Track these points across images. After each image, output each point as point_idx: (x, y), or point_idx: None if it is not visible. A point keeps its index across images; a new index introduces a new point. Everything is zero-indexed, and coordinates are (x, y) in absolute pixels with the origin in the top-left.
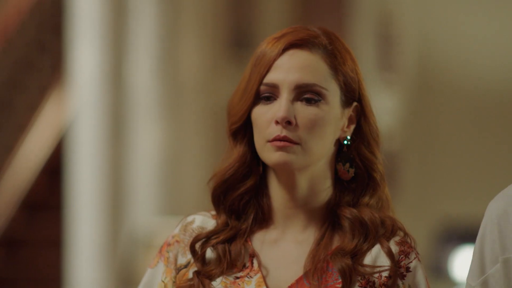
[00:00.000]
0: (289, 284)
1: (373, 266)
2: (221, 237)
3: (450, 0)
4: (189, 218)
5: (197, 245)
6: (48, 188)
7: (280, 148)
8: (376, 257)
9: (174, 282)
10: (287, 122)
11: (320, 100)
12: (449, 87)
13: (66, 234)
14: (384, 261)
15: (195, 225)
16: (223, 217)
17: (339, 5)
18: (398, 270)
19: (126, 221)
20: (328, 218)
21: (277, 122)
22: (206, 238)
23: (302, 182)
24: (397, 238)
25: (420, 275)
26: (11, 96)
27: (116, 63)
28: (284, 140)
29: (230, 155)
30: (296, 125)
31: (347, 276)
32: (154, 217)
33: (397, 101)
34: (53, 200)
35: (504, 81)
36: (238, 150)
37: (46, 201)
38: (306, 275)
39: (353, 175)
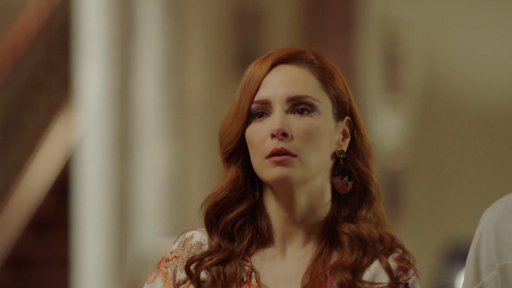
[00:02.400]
0: None
1: (372, 283)
2: (215, 259)
3: (456, 20)
4: (188, 234)
5: (191, 267)
6: (56, 208)
7: (278, 163)
8: (375, 273)
9: None
10: (283, 134)
11: (313, 111)
12: (455, 107)
13: (74, 254)
14: (383, 277)
15: (193, 241)
16: (216, 240)
17: (346, 25)
18: (397, 287)
19: (133, 241)
20: (326, 234)
21: (272, 136)
22: (199, 260)
23: (301, 198)
24: (395, 255)
25: None
26: (20, 116)
27: (122, 83)
28: (281, 153)
29: (223, 178)
30: (292, 137)
31: None
32: (161, 237)
33: (403, 120)
34: (60, 220)
35: (511, 99)
36: (232, 173)
37: (53, 221)
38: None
39: (351, 188)
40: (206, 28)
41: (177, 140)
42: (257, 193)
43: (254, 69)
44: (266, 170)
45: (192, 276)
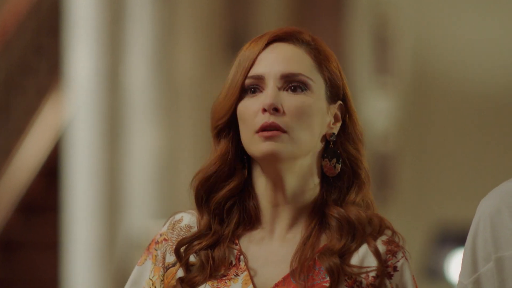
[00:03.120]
0: (276, 282)
1: (360, 267)
2: (204, 243)
3: (445, 3)
4: (177, 216)
5: (181, 250)
6: (45, 191)
7: (268, 138)
8: (364, 257)
9: (162, 280)
10: (275, 109)
11: (306, 89)
12: (444, 90)
13: (63, 236)
14: (372, 261)
15: (183, 224)
16: (206, 219)
17: (335, 8)
18: (385, 270)
19: (122, 224)
20: (315, 216)
21: (264, 110)
22: (188, 244)
23: (290, 179)
24: (384, 237)
25: (407, 275)
26: (9, 99)
27: (112, 65)
28: (272, 127)
29: (213, 153)
30: (284, 113)
31: (335, 275)
32: (150, 219)
33: (392, 104)
34: (50, 202)
35: (499, 83)
36: (221, 148)
37: (43, 203)
38: (292, 273)
39: (339, 171)
40: (196, 11)
41: (167, 123)
42: (246, 171)
43: (249, 47)
44: (255, 145)
45: (181, 259)
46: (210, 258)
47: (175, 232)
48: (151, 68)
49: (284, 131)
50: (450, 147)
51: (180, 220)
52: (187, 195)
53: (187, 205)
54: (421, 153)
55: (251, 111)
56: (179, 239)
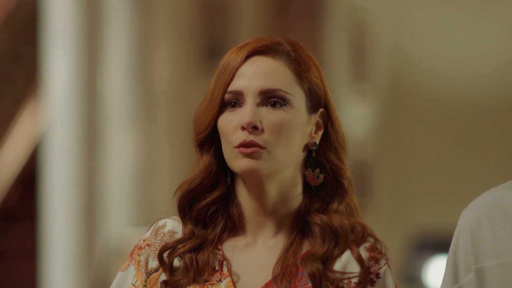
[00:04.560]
0: None
1: (343, 272)
2: (188, 246)
3: (422, 10)
4: (161, 222)
5: (165, 255)
6: (22, 199)
7: (247, 155)
8: (346, 263)
9: (144, 286)
10: (253, 127)
11: (285, 105)
12: (421, 97)
13: (41, 244)
14: (354, 267)
15: (166, 229)
16: (189, 227)
17: (312, 15)
18: (368, 277)
19: (100, 231)
20: (297, 224)
21: (243, 128)
22: (172, 248)
23: (272, 190)
24: (367, 244)
25: (389, 282)
26: None
27: (89, 73)
28: (250, 145)
29: (197, 165)
30: (262, 130)
31: (317, 281)
32: (128, 227)
33: (370, 111)
34: (27, 210)
35: (476, 90)
36: (204, 161)
37: (20, 211)
38: (275, 279)
39: (322, 180)
40: (173, 19)
41: (144, 130)
42: (229, 179)
43: (229, 58)
44: (235, 160)
45: (164, 263)
46: (194, 261)
47: (158, 238)
48: (128, 76)
49: (262, 147)
50: (428, 153)
51: (163, 226)
52: (165, 202)
53: (164, 212)
54: (399, 160)
55: (230, 126)
56: (162, 245)
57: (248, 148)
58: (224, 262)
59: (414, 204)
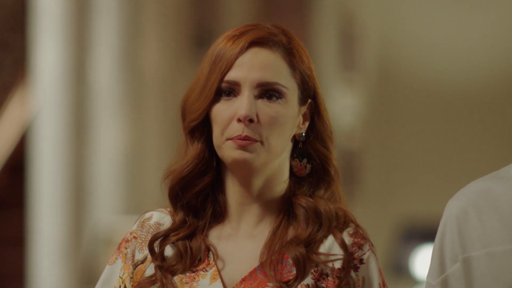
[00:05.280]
0: (242, 277)
1: (327, 254)
2: (181, 234)
3: (411, 0)
4: (147, 215)
5: (156, 243)
6: (10, 186)
7: (241, 147)
8: (330, 249)
9: (131, 278)
10: (249, 120)
11: (280, 98)
12: (410, 86)
13: (28, 232)
14: (338, 252)
15: (152, 221)
16: (180, 215)
17: (301, 4)
18: (352, 262)
19: (88, 219)
20: (283, 209)
21: (239, 120)
22: (164, 236)
23: (258, 179)
24: (350, 230)
25: (373, 267)
26: None
27: (78, 61)
28: (245, 139)
29: (186, 152)
30: (258, 122)
31: (301, 265)
32: (116, 215)
33: (359, 100)
34: (15, 198)
35: (465, 80)
36: (196, 147)
37: (8, 199)
38: (261, 266)
39: (309, 171)
40: (161, 7)
41: (133, 118)
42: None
43: (226, 46)
44: (227, 150)
45: (154, 253)
46: (188, 248)
47: (144, 230)
48: (117, 63)
49: (257, 141)
50: (416, 143)
51: (149, 218)
52: (153, 190)
53: (152, 200)
54: (387, 149)
55: (225, 116)
56: (148, 237)
57: (244, 140)
58: (210, 253)
59: (402, 194)
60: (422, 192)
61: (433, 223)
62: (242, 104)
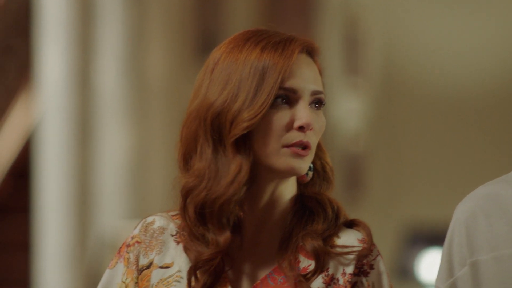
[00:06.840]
0: (254, 284)
1: (344, 246)
2: (215, 262)
3: (415, 4)
4: (149, 219)
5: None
6: (15, 191)
7: (299, 156)
8: (345, 243)
9: (136, 283)
10: (310, 129)
11: (323, 106)
12: (414, 90)
13: (34, 237)
14: (355, 245)
15: (155, 226)
16: (226, 235)
17: (306, 8)
18: (362, 267)
19: (93, 224)
20: (293, 209)
21: (300, 128)
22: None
23: (286, 185)
24: (359, 236)
25: (383, 272)
26: None
27: (83, 66)
28: (306, 147)
29: (218, 165)
30: (312, 129)
31: (320, 257)
32: (121, 220)
33: (363, 104)
34: (20, 203)
35: (469, 84)
36: (242, 161)
37: (13, 204)
38: (274, 271)
39: (310, 178)
40: (166, 12)
41: (137, 124)
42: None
43: (275, 55)
44: (282, 157)
45: (196, 278)
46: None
47: (148, 234)
48: (121, 68)
49: (311, 148)
50: (420, 147)
51: (152, 223)
52: (158, 195)
53: (157, 205)
54: (391, 153)
55: (283, 123)
56: (152, 241)
57: (304, 149)
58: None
59: (407, 197)
60: (427, 196)
61: (438, 227)
62: (303, 112)
